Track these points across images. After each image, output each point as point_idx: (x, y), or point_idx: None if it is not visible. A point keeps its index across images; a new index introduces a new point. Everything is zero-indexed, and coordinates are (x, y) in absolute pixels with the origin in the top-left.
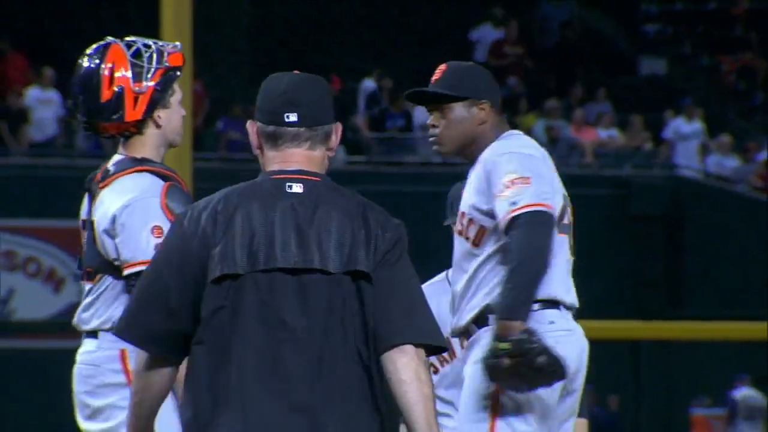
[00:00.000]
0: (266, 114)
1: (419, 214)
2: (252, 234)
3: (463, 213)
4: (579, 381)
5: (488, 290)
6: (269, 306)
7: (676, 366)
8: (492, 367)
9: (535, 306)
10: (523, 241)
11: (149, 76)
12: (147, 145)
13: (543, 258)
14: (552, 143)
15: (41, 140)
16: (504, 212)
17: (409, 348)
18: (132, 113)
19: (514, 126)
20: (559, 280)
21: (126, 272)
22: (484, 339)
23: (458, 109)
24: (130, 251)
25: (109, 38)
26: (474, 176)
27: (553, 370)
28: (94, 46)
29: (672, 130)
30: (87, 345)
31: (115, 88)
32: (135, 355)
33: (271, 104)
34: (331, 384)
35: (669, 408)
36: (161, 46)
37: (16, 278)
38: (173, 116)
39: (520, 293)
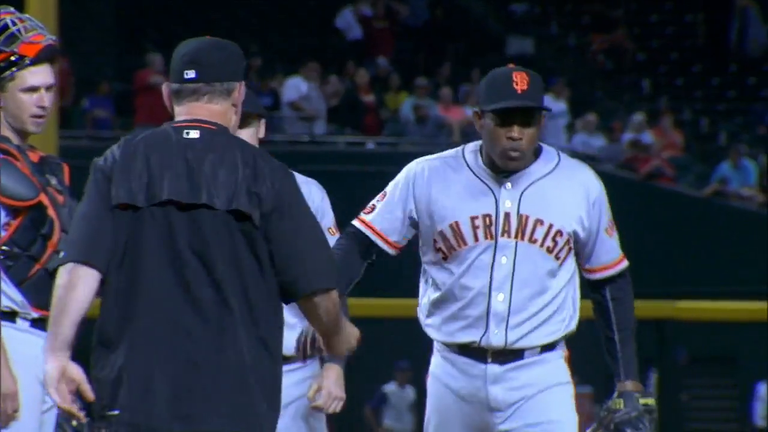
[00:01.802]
0: (173, 74)
1: None
2: (149, 172)
3: (560, 232)
4: None
5: (563, 318)
6: (164, 238)
7: None
8: (648, 422)
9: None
10: (632, 300)
11: None
12: None
13: None
14: (420, 122)
15: None
16: (616, 256)
17: (320, 297)
18: None
19: (383, 103)
20: None
21: None
22: (553, 362)
23: (540, 119)
24: None
25: (3, 7)
26: (572, 198)
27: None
28: None
29: None
30: None
31: None
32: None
33: (176, 65)
34: (214, 316)
35: None
36: (24, 30)
37: None
38: (10, 101)
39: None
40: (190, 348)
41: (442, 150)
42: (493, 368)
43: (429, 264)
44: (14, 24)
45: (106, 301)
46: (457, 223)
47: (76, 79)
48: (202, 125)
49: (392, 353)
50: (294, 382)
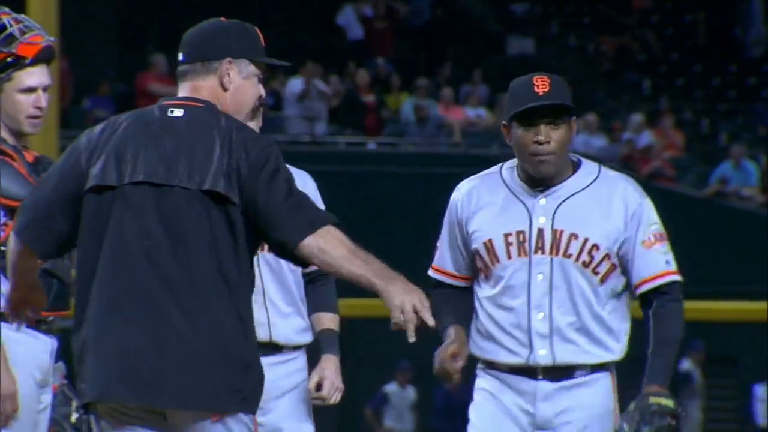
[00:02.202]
0: None
1: None
2: (125, 151)
3: (596, 246)
4: None
5: (616, 338)
6: (137, 217)
7: None
8: (655, 418)
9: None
10: (681, 313)
11: None
12: None
13: None
14: (420, 122)
15: None
16: (660, 269)
17: (309, 240)
18: None
19: (383, 103)
20: None
21: None
22: (602, 386)
23: (571, 125)
24: None
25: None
26: (610, 211)
27: None
28: None
29: None
30: None
31: None
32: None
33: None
34: (177, 294)
35: None
36: (22, 31)
37: None
38: (6, 102)
39: (674, 365)
40: (156, 323)
41: (442, 150)
42: (545, 385)
43: (476, 285)
44: (11, 25)
45: (78, 278)
46: (490, 240)
47: (76, 80)
48: (188, 103)
49: (393, 353)
50: (290, 371)
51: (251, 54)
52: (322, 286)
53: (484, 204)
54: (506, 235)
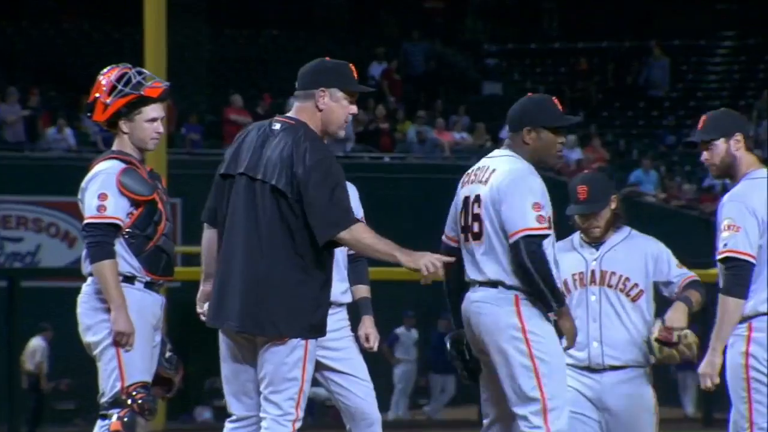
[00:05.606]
0: None
1: None
2: (242, 150)
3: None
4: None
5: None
6: (238, 198)
7: None
8: None
9: None
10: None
11: (120, 95)
12: (122, 143)
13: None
14: (421, 142)
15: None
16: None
17: (342, 234)
18: (98, 116)
19: (395, 129)
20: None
21: (84, 223)
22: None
23: None
24: (85, 209)
25: (123, 64)
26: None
27: None
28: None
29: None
30: (86, 282)
31: (96, 95)
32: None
33: None
34: (247, 255)
35: None
36: (145, 79)
37: (42, 237)
38: (136, 129)
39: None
40: (239, 269)
41: (437, 161)
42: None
43: None
44: (137, 75)
45: (218, 234)
46: None
47: (177, 113)
48: (286, 120)
49: (401, 306)
50: (335, 320)
51: (340, 84)
52: (359, 265)
53: None
54: None
